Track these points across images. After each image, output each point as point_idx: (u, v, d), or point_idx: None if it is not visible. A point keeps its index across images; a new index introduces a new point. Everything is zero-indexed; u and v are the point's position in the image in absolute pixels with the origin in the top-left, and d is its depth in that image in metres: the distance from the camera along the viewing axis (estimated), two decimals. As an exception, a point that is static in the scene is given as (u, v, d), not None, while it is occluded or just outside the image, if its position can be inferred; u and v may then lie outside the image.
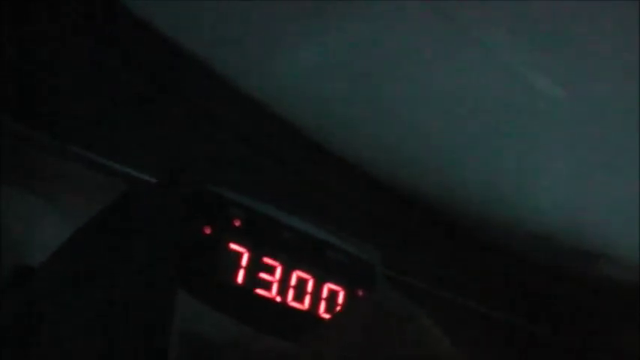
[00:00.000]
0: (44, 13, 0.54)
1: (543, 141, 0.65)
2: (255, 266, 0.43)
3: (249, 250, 0.43)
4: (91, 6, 0.53)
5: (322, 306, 0.44)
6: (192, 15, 0.55)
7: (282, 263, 0.43)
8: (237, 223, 0.43)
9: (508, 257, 0.78)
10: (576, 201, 0.71)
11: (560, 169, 0.67)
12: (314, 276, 0.44)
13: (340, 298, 0.45)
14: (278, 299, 0.43)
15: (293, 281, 0.43)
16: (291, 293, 0.43)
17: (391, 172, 0.69)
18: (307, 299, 0.44)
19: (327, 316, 0.44)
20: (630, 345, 0.79)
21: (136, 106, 0.57)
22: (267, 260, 0.43)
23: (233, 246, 0.42)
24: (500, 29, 0.54)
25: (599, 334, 0.82)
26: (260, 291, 0.42)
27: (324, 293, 0.44)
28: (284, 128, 0.58)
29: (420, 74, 0.60)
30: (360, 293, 0.45)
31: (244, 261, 0.42)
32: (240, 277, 0.42)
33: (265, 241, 0.43)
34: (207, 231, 0.42)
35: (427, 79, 0.60)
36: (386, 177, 0.69)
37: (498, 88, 0.59)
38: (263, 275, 0.43)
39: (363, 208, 0.67)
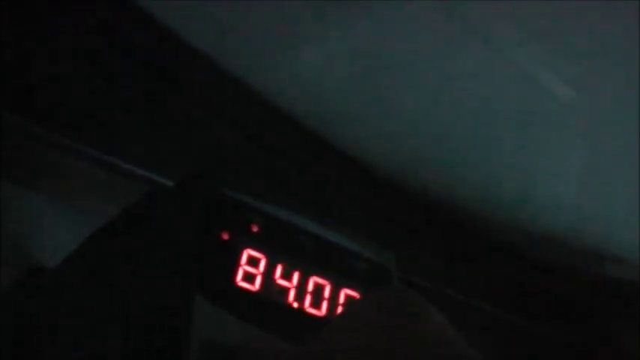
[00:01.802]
0: (51, 9, 0.54)
1: (550, 140, 0.65)
2: (272, 272, 0.42)
3: (266, 255, 0.42)
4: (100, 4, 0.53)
5: (339, 312, 0.44)
6: (200, 15, 0.54)
7: (300, 269, 0.43)
8: (255, 229, 0.42)
9: (511, 256, 0.78)
10: (581, 201, 0.71)
11: (566, 169, 0.67)
12: (331, 281, 0.44)
13: (357, 304, 0.44)
14: (295, 305, 0.42)
15: (310, 287, 0.43)
16: (308, 299, 0.43)
17: (399, 172, 0.69)
18: (324, 305, 0.43)
19: (344, 322, 0.44)
20: (632, 345, 0.80)
21: (146, 105, 0.56)
22: (285, 266, 0.43)
23: (250, 252, 0.42)
24: (508, 27, 0.54)
25: (601, 333, 0.82)
26: (277, 297, 0.42)
27: (341, 299, 0.44)
28: (301, 132, 0.58)
29: (428, 73, 0.59)
30: None
31: (262, 267, 0.42)
32: (257, 283, 0.42)
33: (283, 246, 0.43)
34: (225, 236, 0.41)
35: (434, 78, 0.60)
36: (393, 176, 0.69)
37: (505, 86, 0.59)
38: (280, 281, 0.42)
39: (373, 208, 0.67)
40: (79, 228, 0.47)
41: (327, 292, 0.43)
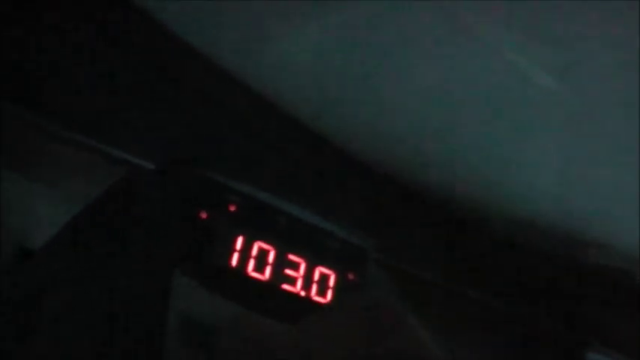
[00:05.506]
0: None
1: (536, 129, 0.65)
2: (248, 250, 0.44)
3: (243, 234, 0.44)
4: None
5: (314, 289, 0.45)
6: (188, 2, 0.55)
7: (276, 247, 0.45)
8: (233, 209, 0.44)
9: (500, 244, 0.78)
10: (569, 189, 0.71)
11: (552, 158, 0.68)
12: (306, 259, 0.45)
13: (331, 282, 0.46)
14: (271, 282, 0.44)
15: (286, 264, 0.45)
16: (283, 276, 0.45)
17: (384, 159, 0.70)
18: (299, 282, 0.45)
19: (318, 298, 0.45)
20: (623, 332, 0.80)
21: (134, 92, 0.57)
22: (261, 244, 0.44)
23: (228, 230, 0.43)
24: (494, 18, 0.54)
25: (592, 321, 0.82)
26: (253, 274, 0.44)
27: (316, 276, 0.46)
28: (280, 115, 0.59)
29: (415, 63, 0.60)
30: (351, 277, 0.47)
31: (238, 245, 0.44)
32: (234, 261, 0.43)
33: (259, 226, 0.45)
34: (203, 216, 0.43)
35: (422, 68, 0.60)
36: (379, 163, 0.70)
37: (491, 76, 0.59)
38: (256, 259, 0.44)
39: (357, 194, 0.68)
40: (65, 211, 0.48)
41: (302, 270, 0.45)
